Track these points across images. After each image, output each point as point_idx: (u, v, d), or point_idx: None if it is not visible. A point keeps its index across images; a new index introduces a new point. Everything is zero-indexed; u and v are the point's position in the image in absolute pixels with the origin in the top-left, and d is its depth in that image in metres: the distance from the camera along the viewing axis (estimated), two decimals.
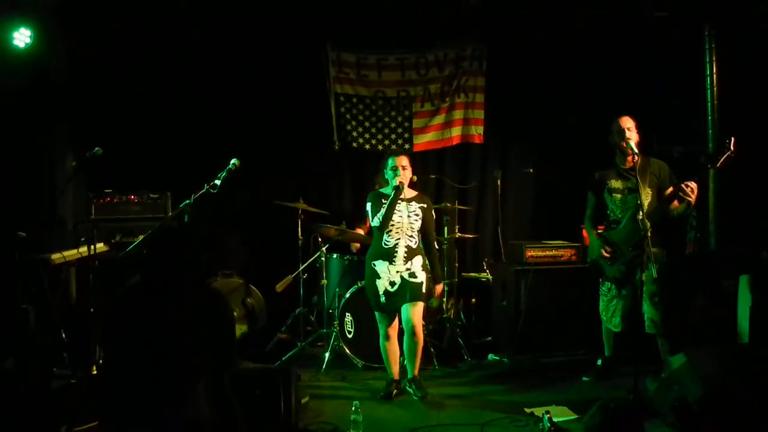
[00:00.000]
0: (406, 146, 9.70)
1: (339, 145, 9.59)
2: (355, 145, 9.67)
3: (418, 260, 6.89)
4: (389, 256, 6.84)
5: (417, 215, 6.91)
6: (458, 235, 8.79)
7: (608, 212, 7.06)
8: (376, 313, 6.94)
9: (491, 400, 6.78)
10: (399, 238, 6.85)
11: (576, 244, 8.35)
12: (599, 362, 7.45)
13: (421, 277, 6.86)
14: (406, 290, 6.78)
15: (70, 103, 8.63)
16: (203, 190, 6.47)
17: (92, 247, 6.88)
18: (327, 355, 7.76)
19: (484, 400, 6.81)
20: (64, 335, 6.85)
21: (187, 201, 6.47)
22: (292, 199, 8.30)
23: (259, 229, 9.50)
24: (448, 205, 8.72)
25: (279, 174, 9.35)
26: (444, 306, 8.48)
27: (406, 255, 6.84)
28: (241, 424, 4.16)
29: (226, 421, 4.04)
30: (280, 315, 8.60)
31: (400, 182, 6.79)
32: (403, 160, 6.91)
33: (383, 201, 6.82)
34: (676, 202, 6.63)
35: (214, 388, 4.01)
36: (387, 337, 6.91)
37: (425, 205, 7.01)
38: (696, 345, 6.87)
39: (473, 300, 8.94)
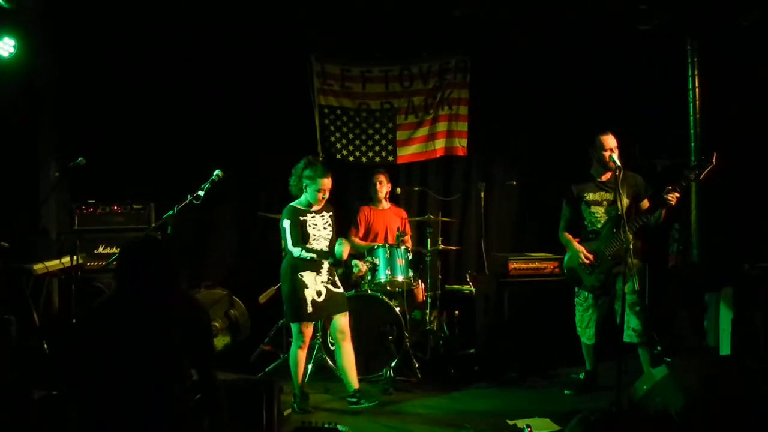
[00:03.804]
0: (390, 158, 9.74)
1: (323, 157, 9.57)
2: (339, 157, 9.69)
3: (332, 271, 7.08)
4: (316, 267, 6.87)
5: (329, 225, 7.00)
6: (441, 247, 8.80)
7: (585, 224, 7.09)
8: (298, 325, 6.86)
9: (473, 412, 6.78)
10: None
11: (559, 257, 8.33)
12: (581, 375, 7.47)
13: (341, 287, 7.09)
14: (335, 300, 6.93)
15: (54, 112, 8.62)
16: (186, 201, 6.48)
17: (75, 257, 6.86)
18: (310, 366, 7.72)
19: (466, 411, 6.81)
20: (45, 346, 6.82)
21: (171, 212, 6.48)
22: (276, 211, 8.29)
23: (243, 241, 9.51)
24: (432, 217, 8.74)
25: (263, 185, 9.37)
26: (427, 318, 8.47)
27: (328, 265, 6.96)
28: (227, 422, 4.21)
29: (211, 421, 4.09)
30: (263, 326, 8.60)
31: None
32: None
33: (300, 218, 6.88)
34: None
35: (204, 387, 4.10)
36: (305, 348, 6.96)
37: (332, 212, 7.11)
38: (678, 356, 6.91)
39: (456, 312, 8.91)
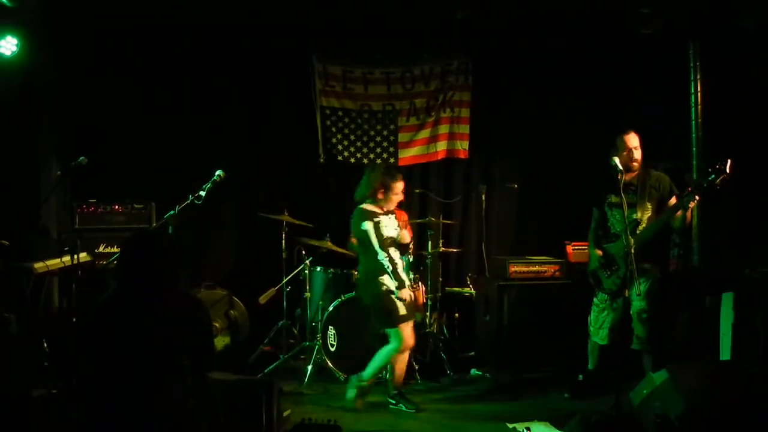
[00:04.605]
0: (391, 160, 9.70)
1: (324, 158, 9.60)
2: (340, 158, 9.67)
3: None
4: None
5: (398, 227, 7.00)
6: (442, 249, 8.79)
7: (609, 225, 7.11)
8: (396, 329, 6.73)
9: (473, 415, 6.78)
10: (396, 251, 6.86)
11: (559, 260, 8.35)
12: (580, 377, 7.45)
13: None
14: (410, 305, 6.83)
15: (54, 111, 8.62)
16: (188, 201, 6.48)
17: (75, 256, 6.85)
18: (309, 368, 7.73)
19: (465, 414, 6.81)
20: (45, 344, 6.82)
21: (172, 212, 6.48)
22: (277, 212, 8.29)
23: (243, 241, 9.50)
24: (433, 219, 8.72)
25: (264, 186, 9.37)
26: (427, 320, 8.45)
27: (403, 267, 6.90)
28: (221, 424, 4.19)
29: (208, 422, 4.07)
30: (263, 327, 8.59)
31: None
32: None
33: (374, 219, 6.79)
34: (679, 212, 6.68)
35: (197, 388, 4.05)
36: (407, 350, 6.89)
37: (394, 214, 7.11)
38: (678, 361, 6.89)
39: (456, 315, 8.91)
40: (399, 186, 6.88)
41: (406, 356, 6.92)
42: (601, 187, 7.18)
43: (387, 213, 6.93)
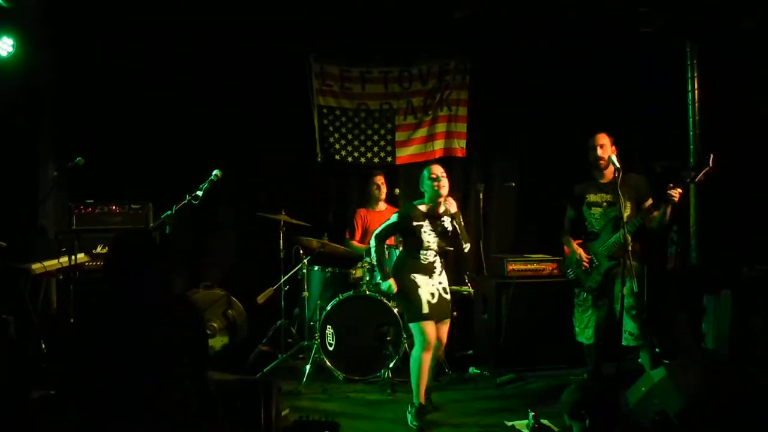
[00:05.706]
0: (389, 159, 9.70)
1: (322, 158, 9.58)
2: (337, 157, 9.66)
3: (445, 275, 6.76)
4: (429, 270, 6.57)
5: (448, 230, 6.68)
6: None
7: (586, 224, 7.12)
8: (418, 324, 6.45)
9: (471, 413, 6.77)
10: (436, 255, 6.60)
11: (557, 258, 8.35)
12: (585, 376, 7.46)
13: (449, 294, 6.75)
14: (444, 306, 6.62)
15: (53, 112, 8.61)
16: (185, 201, 6.49)
17: (73, 257, 6.85)
18: (308, 367, 7.74)
19: (464, 413, 6.81)
20: (43, 346, 6.81)
21: (169, 212, 6.49)
22: (274, 211, 8.29)
23: (241, 241, 9.50)
24: None
25: (261, 186, 9.36)
26: None
27: (441, 269, 6.69)
28: (223, 425, 4.19)
29: (208, 422, 4.07)
30: (261, 327, 8.59)
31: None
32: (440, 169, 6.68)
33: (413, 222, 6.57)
34: (655, 212, 6.73)
35: (196, 388, 4.05)
36: (430, 350, 6.48)
37: (451, 217, 6.72)
38: (676, 359, 6.90)
39: (454, 313, 8.86)
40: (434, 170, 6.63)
41: (428, 358, 6.49)
42: (577, 186, 7.23)
43: (436, 215, 6.65)
